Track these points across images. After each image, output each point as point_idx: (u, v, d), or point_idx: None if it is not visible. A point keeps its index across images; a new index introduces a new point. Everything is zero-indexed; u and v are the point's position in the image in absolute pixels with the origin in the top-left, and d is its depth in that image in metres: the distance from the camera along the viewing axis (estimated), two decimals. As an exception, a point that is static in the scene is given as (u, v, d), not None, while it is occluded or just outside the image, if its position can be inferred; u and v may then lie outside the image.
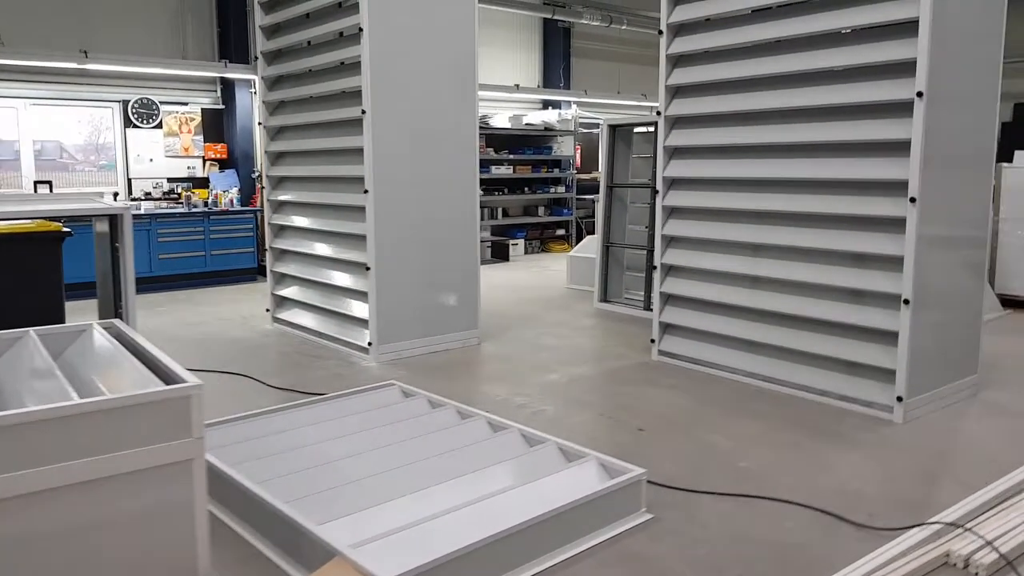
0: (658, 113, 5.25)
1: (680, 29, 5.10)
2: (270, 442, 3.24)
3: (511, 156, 11.54)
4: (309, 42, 5.89)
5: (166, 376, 2.25)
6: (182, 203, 8.62)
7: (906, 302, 4.00)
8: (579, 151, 12.57)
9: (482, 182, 11.52)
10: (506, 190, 11.68)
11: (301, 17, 5.86)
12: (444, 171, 5.55)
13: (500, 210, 11.84)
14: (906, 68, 3.94)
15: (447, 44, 5.46)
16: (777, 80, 4.62)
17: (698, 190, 5.13)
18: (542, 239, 12.18)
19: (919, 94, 3.87)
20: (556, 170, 12.30)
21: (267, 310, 6.53)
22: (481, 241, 11.12)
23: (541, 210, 12.33)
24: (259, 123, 6.34)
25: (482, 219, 11.42)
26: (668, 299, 5.38)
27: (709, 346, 5.12)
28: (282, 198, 6.27)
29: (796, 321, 4.62)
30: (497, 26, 11.78)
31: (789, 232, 4.60)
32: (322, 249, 5.86)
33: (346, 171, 5.44)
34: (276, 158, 6.37)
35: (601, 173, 7.63)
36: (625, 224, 7.76)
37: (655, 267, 5.37)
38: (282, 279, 6.42)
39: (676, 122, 5.22)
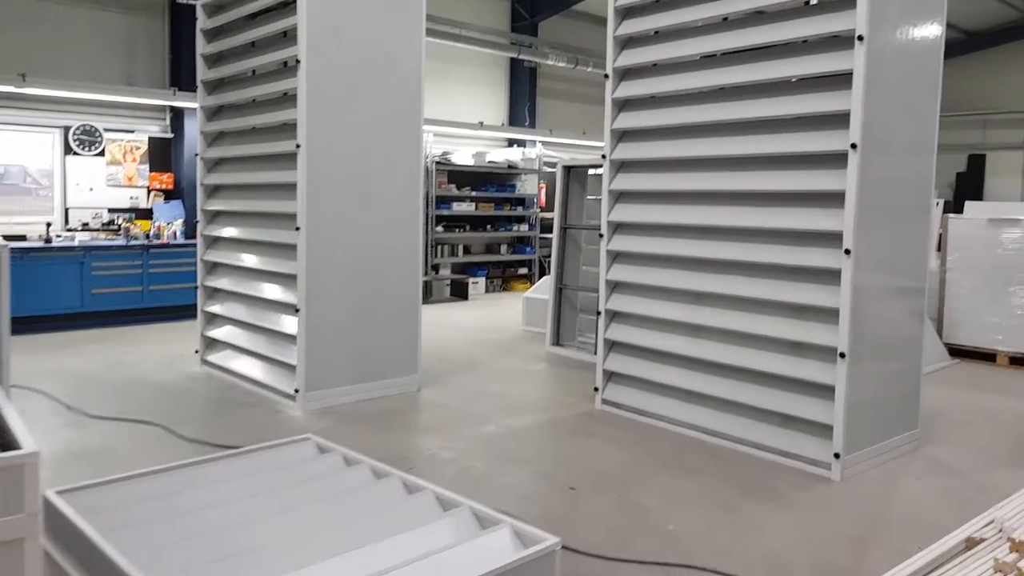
0: (603, 156, 5.16)
1: (627, 73, 5.05)
2: (156, 505, 2.97)
3: (473, 193, 11.45)
4: (254, 71, 5.72)
5: (7, 442, 2.02)
6: (121, 235, 8.33)
7: (842, 355, 3.89)
8: (543, 190, 12.53)
9: (443, 219, 11.45)
10: (468, 227, 11.56)
11: (244, 46, 5.70)
12: (385, 208, 5.38)
13: (461, 247, 11.70)
14: (842, 120, 3.89)
15: (392, 77, 5.33)
16: (719, 128, 4.56)
17: (642, 235, 5.03)
18: (504, 278, 12.04)
19: (853, 146, 3.81)
20: (520, 208, 12.23)
21: (196, 351, 6.25)
22: (440, 279, 10.98)
23: (504, 248, 12.21)
24: (196, 154, 6.14)
25: (442, 256, 11.28)
26: (612, 346, 5.23)
27: (652, 396, 4.97)
28: (216, 233, 6.04)
29: (737, 372, 4.49)
30: (464, 64, 11.77)
31: (729, 281, 4.49)
32: (253, 288, 5.63)
33: (280, 207, 5.25)
34: (212, 191, 6.16)
35: (555, 214, 7.54)
36: (579, 266, 7.65)
37: (599, 312, 5.23)
38: (213, 319, 6.16)
39: (621, 166, 5.14)
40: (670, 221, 4.79)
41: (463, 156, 11.25)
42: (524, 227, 12.24)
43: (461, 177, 11.49)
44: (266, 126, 5.56)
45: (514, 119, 12.46)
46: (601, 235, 5.17)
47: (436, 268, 11.17)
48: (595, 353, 6.77)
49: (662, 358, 4.91)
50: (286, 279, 5.24)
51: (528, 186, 12.21)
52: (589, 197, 7.66)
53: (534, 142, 12.35)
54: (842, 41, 3.93)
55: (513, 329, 8.51)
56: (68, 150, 8.35)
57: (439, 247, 11.20)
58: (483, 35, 11.13)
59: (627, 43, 5.03)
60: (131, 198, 8.80)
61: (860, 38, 3.77)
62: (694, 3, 4.57)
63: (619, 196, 5.15)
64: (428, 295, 10.51)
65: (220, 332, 6.03)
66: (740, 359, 4.41)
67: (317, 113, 4.95)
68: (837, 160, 3.95)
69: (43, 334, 7.39)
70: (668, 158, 4.81)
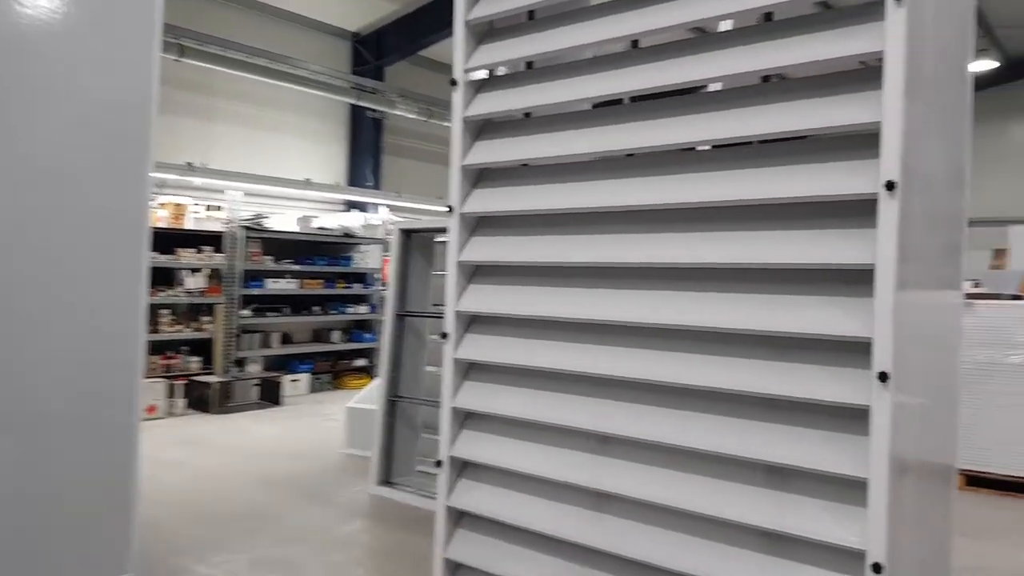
0: (449, 209, 3.24)
1: (485, 84, 3.21)
2: None
3: (296, 267, 9.17)
4: None
5: None
6: None
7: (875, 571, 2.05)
8: (389, 263, 10.47)
9: (254, 299, 9.01)
10: (288, 309, 9.20)
11: None
12: (69, 299, 3.08)
13: (278, 336, 9.27)
14: (865, 143, 2.20)
15: (96, 91, 3.14)
16: (636, 161, 2.77)
17: (512, 334, 3.09)
18: (335, 372, 9.69)
19: (889, 185, 2.11)
20: (358, 285, 10.06)
21: None
22: (245, 379, 8.42)
23: (337, 335, 9.91)
24: None
25: (251, 348, 8.81)
26: (460, 518, 3.15)
27: (528, 611, 2.90)
28: None
29: (679, 584, 2.55)
30: (294, 111, 9.71)
31: (650, 418, 2.61)
32: None
33: None
34: None
35: (389, 295, 5.51)
36: (421, 367, 5.61)
37: (438, 462, 3.15)
38: None
39: (478, 224, 3.22)
40: (554, 314, 2.89)
41: (285, 221, 9.01)
42: (364, 308, 10.06)
43: (280, 247, 9.22)
44: None
45: (355, 179, 10.44)
46: (444, 335, 3.17)
47: (240, 363, 8.64)
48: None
49: (544, 545, 2.90)
50: None
51: (370, 259, 10.11)
52: (437, 273, 5.74)
53: (376, 206, 10.36)
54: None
55: (330, 452, 6.21)
56: None
57: (244, 336, 8.71)
58: (314, 75, 9.14)
59: (488, 34, 3.20)
60: None
61: None
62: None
63: (474, 272, 3.21)
64: (227, 400, 7.96)
65: None
66: (680, 562, 2.48)
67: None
68: (855, 212, 2.23)
69: None
70: (552, 211, 2.95)
